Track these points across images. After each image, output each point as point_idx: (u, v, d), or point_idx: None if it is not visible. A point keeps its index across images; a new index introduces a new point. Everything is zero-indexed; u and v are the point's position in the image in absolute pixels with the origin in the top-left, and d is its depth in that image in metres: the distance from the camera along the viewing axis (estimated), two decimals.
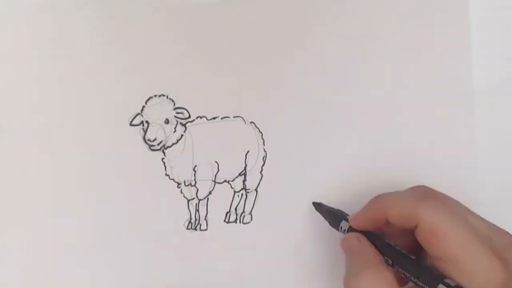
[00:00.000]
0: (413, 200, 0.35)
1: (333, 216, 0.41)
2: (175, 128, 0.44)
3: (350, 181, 0.43)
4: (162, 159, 0.44)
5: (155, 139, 0.43)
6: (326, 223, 0.41)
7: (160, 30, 0.44)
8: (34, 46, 0.44)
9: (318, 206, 0.43)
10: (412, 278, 0.34)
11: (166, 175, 0.44)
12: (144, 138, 0.43)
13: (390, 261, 0.36)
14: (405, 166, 0.43)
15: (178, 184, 0.44)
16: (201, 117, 0.44)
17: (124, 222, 0.43)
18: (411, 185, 0.41)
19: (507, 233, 0.35)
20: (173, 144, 0.44)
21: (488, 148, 0.38)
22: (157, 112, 0.43)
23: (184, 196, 0.44)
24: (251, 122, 0.44)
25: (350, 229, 0.38)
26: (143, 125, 0.44)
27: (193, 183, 0.44)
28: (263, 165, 0.44)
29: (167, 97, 0.44)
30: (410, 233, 0.35)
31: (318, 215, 0.42)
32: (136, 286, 0.44)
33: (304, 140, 0.43)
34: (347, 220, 0.39)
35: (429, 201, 0.34)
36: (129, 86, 0.44)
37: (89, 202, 0.44)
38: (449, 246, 0.33)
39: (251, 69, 0.43)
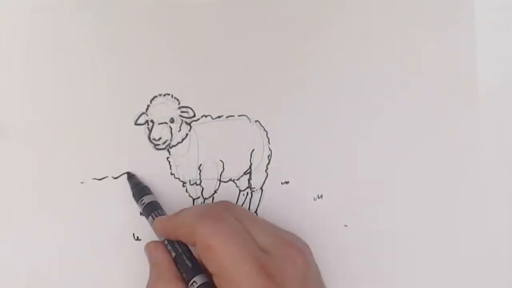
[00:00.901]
0: (192, 220, 0.36)
1: (136, 190, 0.42)
2: (180, 127, 0.43)
3: (355, 179, 0.43)
4: (167, 158, 0.44)
5: (160, 138, 0.43)
6: (331, 221, 0.42)
7: (165, 29, 0.44)
8: (34, 46, 0.44)
9: (130, 177, 0.43)
10: None
11: (171, 174, 0.44)
12: (149, 138, 0.43)
13: (185, 276, 0.37)
14: (408, 165, 0.43)
15: (184, 183, 0.44)
16: (206, 116, 0.44)
17: (129, 221, 0.43)
18: (415, 185, 0.42)
19: (291, 244, 0.36)
20: (178, 143, 0.44)
21: (493, 147, 0.39)
22: (162, 111, 0.43)
23: (189, 195, 0.44)
24: (256, 121, 0.44)
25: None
26: (148, 124, 0.43)
27: (198, 182, 0.44)
28: (268, 163, 0.44)
29: (172, 96, 0.44)
30: None
31: (323, 213, 0.43)
32: (140, 285, 0.44)
33: (309, 139, 0.43)
34: (153, 218, 0.40)
35: (205, 220, 0.35)
36: (134, 85, 0.44)
37: (94, 202, 0.43)
38: (220, 261, 0.34)
39: (256, 68, 0.44)
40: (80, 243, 0.43)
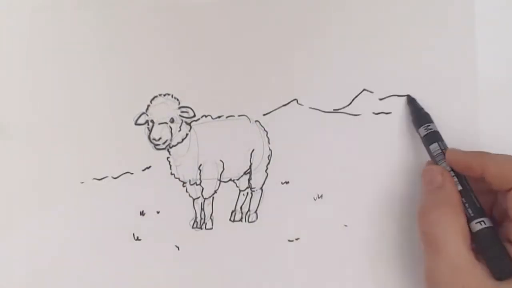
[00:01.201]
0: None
1: (420, 115, 0.41)
2: (180, 127, 0.43)
3: (356, 179, 0.43)
4: (167, 158, 0.44)
5: (160, 138, 0.43)
6: (331, 218, 0.42)
7: (165, 29, 0.44)
8: (34, 46, 0.44)
9: (411, 101, 0.42)
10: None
11: (172, 174, 0.44)
12: (149, 137, 0.43)
13: (470, 212, 0.36)
14: (408, 165, 0.43)
15: (184, 183, 0.44)
16: (206, 116, 0.44)
17: (129, 221, 0.43)
18: (416, 184, 0.42)
19: None
20: (178, 143, 0.44)
21: (493, 147, 0.39)
22: (162, 111, 0.43)
23: (189, 195, 0.44)
24: (256, 121, 0.44)
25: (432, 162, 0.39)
26: (148, 124, 0.43)
27: (198, 182, 0.44)
28: (268, 163, 0.44)
29: (172, 96, 0.44)
30: (493, 196, 0.36)
31: (323, 213, 0.43)
32: (140, 285, 0.44)
33: (309, 138, 0.43)
34: (440, 146, 0.39)
35: None
36: (134, 85, 0.44)
37: (94, 202, 0.43)
38: None
39: (256, 68, 0.44)
40: (80, 243, 0.43)
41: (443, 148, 0.39)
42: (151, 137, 0.43)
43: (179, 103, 0.44)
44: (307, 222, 0.43)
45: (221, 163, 0.44)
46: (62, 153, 0.44)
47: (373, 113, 0.43)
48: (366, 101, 0.43)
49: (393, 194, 0.43)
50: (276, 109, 0.44)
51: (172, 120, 0.43)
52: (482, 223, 0.35)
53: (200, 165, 0.44)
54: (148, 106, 0.44)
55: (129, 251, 0.43)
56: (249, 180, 0.44)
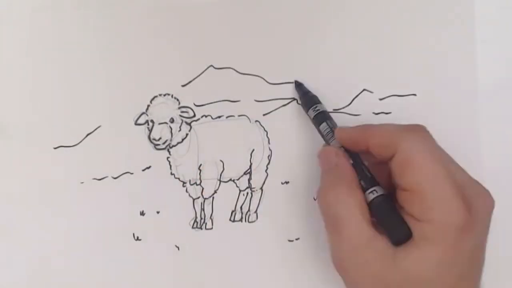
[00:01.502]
0: (395, 131, 0.35)
1: (307, 98, 0.42)
2: (180, 127, 0.43)
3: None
4: (167, 158, 0.44)
5: (160, 138, 0.43)
6: None
7: (165, 29, 0.44)
8: (34, 46, 0.44)
9: (298, 85, 0.43)
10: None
11: (172, 174, 0.44)
12: (149, 137, 0.43)
13: (363, 183, 0.36)
14: None
15: (184, 183, 0.44)
16: (206, 116, 0.44)
17: (129, 221, 0.43)
18: None
19: (480, 185, 0.35)
20: (178, 143, 0.44)
21: (492, 147, 0.39)
22: (162, 111, 0.43)
23: (189, 195, 0.44)
24: (256, 121, 0.44)
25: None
26: (148, 124, 0.43)
27: (198, 182, 0.44)
28: (268, 163, 0.44)
29: (172, 96, 0.44)
30: (385, 168, 0.36)
31: None
32: (140, 285, 0.44)
33: (309, 138, 0.43)
34: (328, 125, 0.39)
35: (411, 134, 0.35)
36: (134, 85, 0.44)
37: (94, 201, 0.43)
38: (420, 178, 0.33)
39: (255, 67, 0.43)
40: (80, 243, 0.43)
41: (332, 127, 0.39)
42: (151, 137, 0.43)
43: (179, 103, 0.44)
44: (307, 222, 0.43)
45: (221, 163, 0.44)
46: (62, 153, 0.44)
47: (373, 113, 0.43)
48: (366, 101, 0.43)
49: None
50: (276, 109, 0.44)
51: (172, 120, 0.43)
52: (374, 192, 0.35)
53: (200, 165, 0.44)
54: (148, 106, 0.44)
55: (129, 251, 0.43)
56: (249, 180, 0.44)
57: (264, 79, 0.43)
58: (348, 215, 0.35)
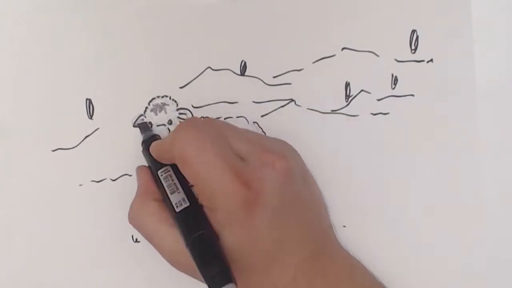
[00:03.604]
0: (169, 137, 0.38)
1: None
2: None
3: (355, 180, 0.43)
4: None
5: None
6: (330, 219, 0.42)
7: (165, 29, 0.44)
8: (34, 47, 0.44)
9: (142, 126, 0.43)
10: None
11: None
12: None
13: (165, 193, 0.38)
14: (405, 165, 0.43)
15: None
16: (204, 118, 0.44)
17: (128, 223, 0.43)
18: (414, 185, 0.42)
19: (269, 150, 0.37)
20: None
21: (491, 147, 0.39)
22: (160, 113, 0.43)
23: None
24: (254, 122, 0.44)
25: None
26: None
27: None
28: None
29: (170, 98, 0.44)
30: None
31: None
32: (141, 285, 0.44)
33: (307, 139, 0.43)
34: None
35: (180, 132, 0.37)
36: (132, 87, 0.44)
37: (92, 204, 0.44)
38: (196, 171, 0.35)
39: (256, 68, 0.43)
40: (79, 246, 0.44)
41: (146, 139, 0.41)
42: None
43: (177, 105, 0.44)
44: None
45: None
46: (61, 155, 0.44)
47: (371, 113, 0.43)
48: (364, 102, 0.43)
49: (393, 193, 0.43)
50: (274, 110, 0.44)
51: (170, 122, 0.44)
52: (179, 204, 0.36)
53: None
54: (146, 108, 0.44)
55: (128, 253, 0.44)
56: None
57: (262, 80, 0.44)
58: (154, 227, 0.37)
